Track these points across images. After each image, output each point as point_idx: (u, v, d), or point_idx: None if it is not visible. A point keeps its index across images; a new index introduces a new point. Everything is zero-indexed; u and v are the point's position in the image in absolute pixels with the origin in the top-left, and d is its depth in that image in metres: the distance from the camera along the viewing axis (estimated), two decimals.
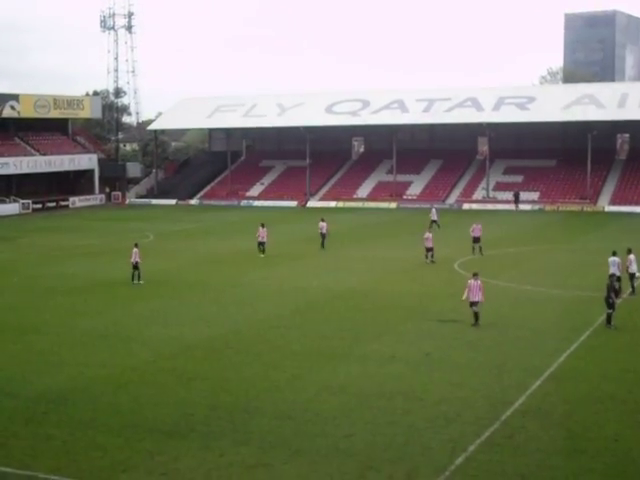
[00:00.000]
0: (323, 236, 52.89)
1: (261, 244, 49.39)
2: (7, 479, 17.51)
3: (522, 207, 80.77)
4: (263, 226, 49.98)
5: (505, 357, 26.21)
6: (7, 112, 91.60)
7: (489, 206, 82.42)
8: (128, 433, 19.87)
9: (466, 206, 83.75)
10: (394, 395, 22.48)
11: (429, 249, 45.89)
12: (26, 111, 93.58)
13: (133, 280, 40.56)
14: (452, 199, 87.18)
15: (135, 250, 40.79)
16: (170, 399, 22.47)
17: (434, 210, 63.67)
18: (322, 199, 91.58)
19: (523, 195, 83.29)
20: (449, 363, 25.67)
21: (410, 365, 25.56)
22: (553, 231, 63.77)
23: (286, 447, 18.91)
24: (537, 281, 39.67)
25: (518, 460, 17.98)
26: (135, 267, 40.65)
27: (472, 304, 30.24)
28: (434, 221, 61.37)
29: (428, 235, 46.38)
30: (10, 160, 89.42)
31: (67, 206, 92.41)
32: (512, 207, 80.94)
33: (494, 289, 37.87)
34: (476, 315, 30.27)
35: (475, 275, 30.74)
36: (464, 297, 30.63)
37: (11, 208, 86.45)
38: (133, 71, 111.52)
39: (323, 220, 53.87)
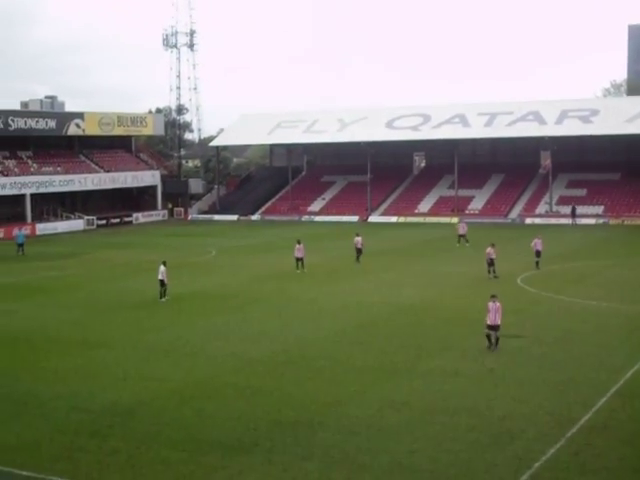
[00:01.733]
0: (359, 251, 53.46)
1: (299, 260, 49.87)
2: None
3: (586, 221, 79.65)
4: (299, 242, 50.52)
5: (570, 373, 25.89)
6: (72, 130, 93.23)
7: (552, 220, 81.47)
8: (192, 447, 20.01)
9: (529, 221, 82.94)
10: (458, 411, 22.33)
11: (491, 264, 45.59)
12: (91, 129, 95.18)
13: (160, 297, 40.88)
14: (514, 214, 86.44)
15: (162, 268, 41.06)
16: (233, 414, 22.58)
17: (463, 224, 64.40)
18: (383, 214, 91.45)
19: (587, 209, 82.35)
20: (513, 379, 25.43)
21: (474, 381, 25.38)
22: (618, 245, 62.82)
23: (349, 462, 18.88)
24: (602, 296, 39.11)
25: (584, 478, 17.73)
26: (162, 284, 40.97)
27: (490, 327, 28.86)
28: (461, 235, 61.97)
29: (490, 250, 46.01)
30: (75, 177, 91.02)
31: (130, 222, 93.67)
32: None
33: (558, 304, 37.53)
34: (490, 339, 28.80)
35: (493, 297, 29.35)
36: (488, 321, 29.06)
37: (76, 224, 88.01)
38: (195, 88, 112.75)
39: (358, 235, 54.48)
